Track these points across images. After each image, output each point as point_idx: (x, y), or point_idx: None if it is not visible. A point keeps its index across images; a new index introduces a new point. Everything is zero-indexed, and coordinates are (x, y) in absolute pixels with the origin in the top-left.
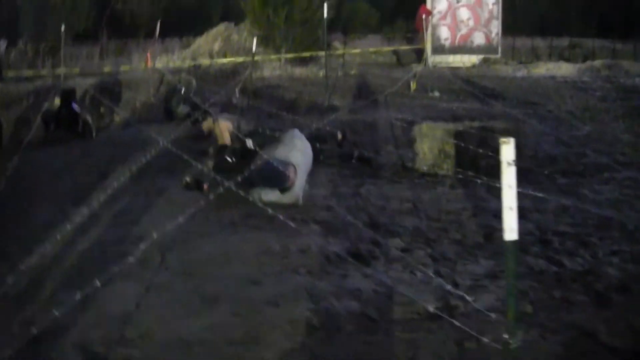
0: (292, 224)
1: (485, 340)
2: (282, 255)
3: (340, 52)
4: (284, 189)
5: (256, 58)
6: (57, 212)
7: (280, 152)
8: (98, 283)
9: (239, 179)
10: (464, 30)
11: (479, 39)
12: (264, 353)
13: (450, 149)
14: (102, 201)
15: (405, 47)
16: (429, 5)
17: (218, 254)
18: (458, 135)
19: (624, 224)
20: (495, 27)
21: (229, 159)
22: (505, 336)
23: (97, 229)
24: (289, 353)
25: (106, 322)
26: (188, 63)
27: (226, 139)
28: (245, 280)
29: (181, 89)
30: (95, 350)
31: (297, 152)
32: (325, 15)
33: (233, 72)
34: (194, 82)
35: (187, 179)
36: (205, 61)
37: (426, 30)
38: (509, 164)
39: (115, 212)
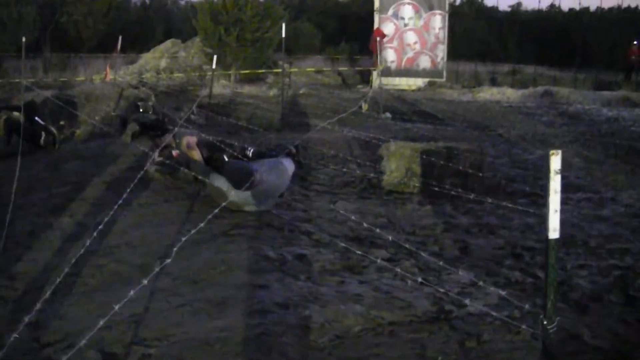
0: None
1: (524, 327)
2: (279, 262)
3: (294, 70)
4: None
5: (206, 75)
6: (38, 223)
7: (260, 164)
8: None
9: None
10: (410, 54)
11: (424, 62)
12: (282, 351)
13: (417, 167)
14: (84, 212)
15: (360, 68)
16: (377, 28)
17: (217, 261)
18: (424, 154)
19: (586, 241)
20: (441, 51)
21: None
22: (545, 322)
23: (86, 238)
24: (304, 352)
25: (119, 324)
26: (148, 77)
27: (196, 154)
28: (250, 285)
29: (139, 105)
30: (113, 351)
31: (275, 171)
32: (283, 34)
33: (182, 89)
34: (153, 97)
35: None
36: (164, 75)
37: (380, 52)
38: (556, 172)
39: (100, 222)
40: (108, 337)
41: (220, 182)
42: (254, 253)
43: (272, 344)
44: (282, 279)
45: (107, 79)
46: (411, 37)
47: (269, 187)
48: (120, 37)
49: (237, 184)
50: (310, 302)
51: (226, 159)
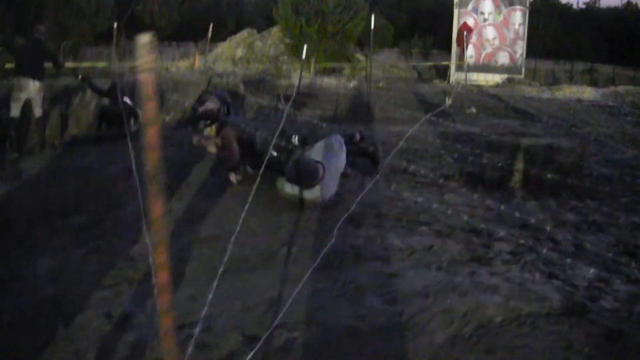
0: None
1: None
2: (409, 252)
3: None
4: (308, 186)
5: (283, 65)
6: (148, 206)
7: (314, 152)
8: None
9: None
10: (489, 49)
11: (503, 58)
12: (430, 339)
13: (519, 163)
14: (193, 197)
15: (435, 63)
16: (458, 23)
17: (346, 248)
18: (526, 150)
19: None
20: (520, 47)
21: (274, 153)
22: None
23: (199, 223)
24: (452, 340)
25: (256, 308)
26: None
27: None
28: (386, 274)
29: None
30: (254, 334)
31: (331, 154)
32: (372, 26)
33: (259, 78)
34: (242, 85)
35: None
36: (242, 64)
37: (466, 47)
38: None
39: (210, 207)
40: (247, 321)
41: (289, 188)
42: (381, 242)
43: (419, 331)
44: (415, 267)
45: (195, 66)
46: (490, 33)
47: (331, 172)
48: (211, 25)
49: (307, 184)
50: (449, 292)
51: (275, 154)
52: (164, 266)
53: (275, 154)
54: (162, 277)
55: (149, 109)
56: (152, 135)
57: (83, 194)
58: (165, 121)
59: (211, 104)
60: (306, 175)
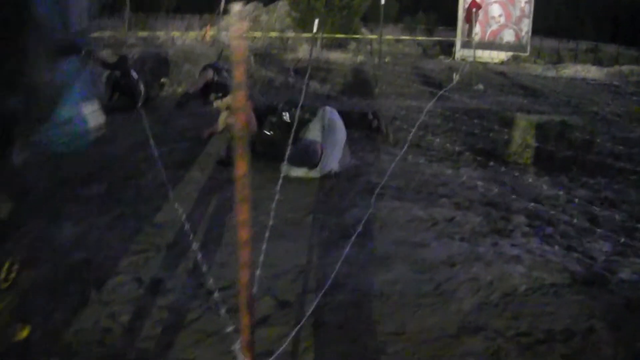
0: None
1: None
2: (431, 222)
3: (374, 37)
4: (311, 167)
5: (291, 37)
6: (168, 176)
7: (311, 132)
8: None
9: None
10: (494, 27)
11: (508, 36)
12: (458, 306)
13: (531, 139)
14: (213, 167)
15: (441, 38)
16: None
17: (370, 218)
18: (539, 126)
19: None
20: (526, 25)
21: (267, 132)
22: None
23: (223, 191)
24: (480, 307)
25: (285, 275)
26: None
27: (250, 119)
28: (411, 243)
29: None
30: (286, 299)
31: (330, 130)
32: (382, 1)
33: (265, 52)
34: (252, 58)
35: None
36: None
37: (475, 23)
38: None
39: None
40: (278, 286)
41: (295, 172)
42: (405, 212)
43: (448, 298)
44: (438, 238)
45: (207, 37)
46: (496, 10)
47: (332, 147)
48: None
49: (310, 166)
50: (474, 261)
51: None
52: (245, 223)
53: (268, 133)
54: (243, 234)
55: (238, 73)
56: (240, 98)
57: (100, 163)
58: (177, 92)
59: (209, 75)
60: (307, 158)
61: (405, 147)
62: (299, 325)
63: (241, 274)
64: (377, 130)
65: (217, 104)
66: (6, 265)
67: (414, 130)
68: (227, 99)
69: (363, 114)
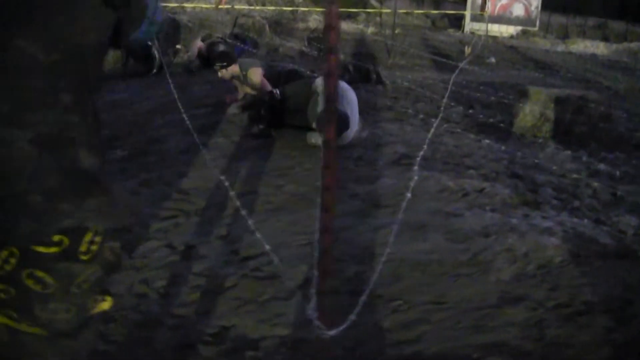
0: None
1: None
2: (462, 193)
3: (386, 10)
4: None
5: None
6: (190, 142)
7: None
8: None
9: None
10: (504, 0)
11: (518, 10)
12: (497, 276)
13: (550, 113)
14: (236, 133)
15: (461, 12)
16: None
17: (401, 187)
18: (558, 101)
19: None
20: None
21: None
22: None
23: (246, 159)
24: (518, 277)
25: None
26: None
27: (264, 85)
28: (443, 213)
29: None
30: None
31: (342, 97)
32: None
33: (276, 21)
34: (267, 26)
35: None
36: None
37: None
38: None
39: (256, 147)
40: (310, 254)
41: (317, 138)
42: (435, 182)
43: (485, 269)
44: (470, 208)
45: (223, 4)
46: None
47: (351, 112)
48: None
49: (339, 132)
50: (508, 232)
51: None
52: (330, 188)
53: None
54: (328, 198)
55: (331, 37)
56: (332, 63)
57: (121, 128)
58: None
59: (198, 44)
60: (339, 126)
61: (425, 118)
62: (364, 296)
63: (322, 239)
64: (378, 82)
65: (221, 73)
66: (88, 237)
67: (439, 101)
68: (232, 68)
69: (365, 68)
